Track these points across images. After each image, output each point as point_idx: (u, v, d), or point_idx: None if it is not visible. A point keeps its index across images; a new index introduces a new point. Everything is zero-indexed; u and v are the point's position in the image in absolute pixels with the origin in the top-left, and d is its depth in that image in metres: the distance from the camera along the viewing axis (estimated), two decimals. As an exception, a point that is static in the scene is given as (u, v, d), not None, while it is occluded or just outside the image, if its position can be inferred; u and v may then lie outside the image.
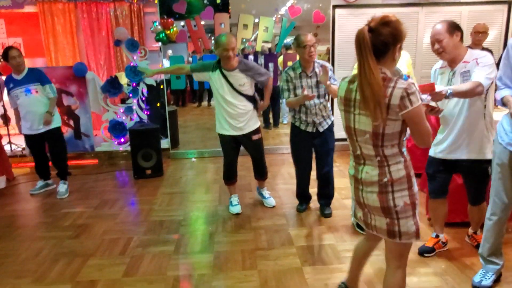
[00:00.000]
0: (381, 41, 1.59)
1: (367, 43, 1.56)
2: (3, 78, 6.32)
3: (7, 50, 3.99)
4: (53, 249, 3.06)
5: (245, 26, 5.26)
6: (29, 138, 4.26)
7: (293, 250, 2.92)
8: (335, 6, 5.40)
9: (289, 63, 5.40)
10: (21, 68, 4.05)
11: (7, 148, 5.63)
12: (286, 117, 7.56)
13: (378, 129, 1.64)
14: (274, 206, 3.76)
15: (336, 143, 3.61)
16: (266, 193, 3.87)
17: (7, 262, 2.88)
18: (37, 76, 4.10)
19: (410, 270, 2.59)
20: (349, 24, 5.38)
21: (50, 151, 4.33)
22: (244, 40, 5.38)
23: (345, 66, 5.47)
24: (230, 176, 3.70)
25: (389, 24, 1.59)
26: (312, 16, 5.24)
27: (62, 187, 4.31)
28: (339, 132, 2.59)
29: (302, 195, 3.65)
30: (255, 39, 5.41)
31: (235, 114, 3.39)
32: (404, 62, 2.92)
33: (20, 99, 4.07)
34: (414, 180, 1.75)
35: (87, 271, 2.73)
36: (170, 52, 5.98)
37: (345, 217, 3.47)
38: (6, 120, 6.18)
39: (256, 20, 5.29)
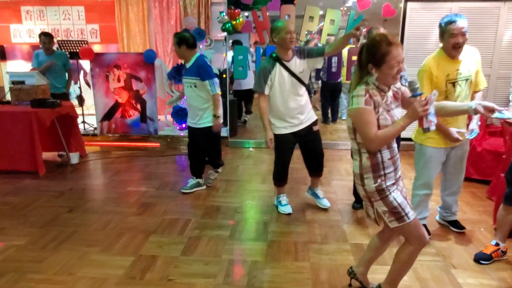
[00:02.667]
0: (360, 60, 1.88)
1: (358, 57, 1.90)
2: (81, 62, 6.88)
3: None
4: (119, 223, 3.29)
5: (311, 18, 5.21)
6: (189, 130, 4.03)
7: (347, 247, 2.90)
8: (408, -1, 5.17)
9: (354, 58, 5.27)
10: (183, 58, 3.81)
11: (81, 127, 6.09)
12: (345, 113, 7.41)
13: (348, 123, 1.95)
14: (327, 208, 3.57)
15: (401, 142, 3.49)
16: (320, 192, 3.66)
17: (80, 231, 3.16)
18: (198, 70, 3.70)
19: (471, 280, 2.47)
20: (422, 19, 5.13)
21: (201, 146, 4.04)
22: (306, 32, 5.32)
23: (415, 63, 5.20)
24: (283, 177, 3.55)
25: (366, 46, 1.83)
26: (382, 9, 5.06)
27: (210, 174, 4.24)
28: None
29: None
30: (317, 32, 5.33)
31: (298, 107, 3.25)
32: (473, 60, 2.74)
33: (185, 88, 3.87)
34: (388, 170, 1.89)
35: (149, 247, 2.91)
36: (231, 42, 6.07)
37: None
38: (81, 100, 6.69)
39: (321, 12, 5.21)
